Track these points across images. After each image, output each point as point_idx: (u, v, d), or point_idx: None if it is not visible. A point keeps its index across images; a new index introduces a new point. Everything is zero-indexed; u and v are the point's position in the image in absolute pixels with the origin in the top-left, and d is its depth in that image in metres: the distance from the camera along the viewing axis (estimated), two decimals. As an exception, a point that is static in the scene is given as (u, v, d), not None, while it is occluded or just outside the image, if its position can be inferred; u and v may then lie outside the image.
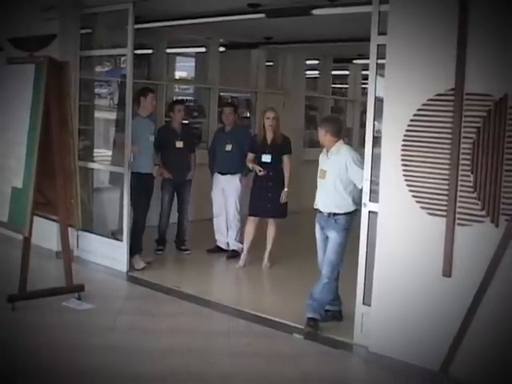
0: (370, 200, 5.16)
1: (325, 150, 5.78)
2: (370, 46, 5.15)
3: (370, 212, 5.15)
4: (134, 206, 7.28)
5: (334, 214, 5.54)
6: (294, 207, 8.02)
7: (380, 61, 5.10)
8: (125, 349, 5.05)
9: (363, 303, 5.24)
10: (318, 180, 5.75)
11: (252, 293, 6.63)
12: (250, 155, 7.49)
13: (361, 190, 5.30)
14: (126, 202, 7.02)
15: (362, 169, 5.27)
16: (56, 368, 4.68)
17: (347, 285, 5.49)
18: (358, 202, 5.45)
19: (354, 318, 5.26)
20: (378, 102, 5.05)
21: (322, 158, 5.81)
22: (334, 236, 5.54)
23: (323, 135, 5.67)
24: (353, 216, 5.57)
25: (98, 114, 8.26)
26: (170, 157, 7.86)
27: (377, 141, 5.07)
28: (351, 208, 5.55)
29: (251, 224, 7.53)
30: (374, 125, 5.15)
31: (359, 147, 8.70)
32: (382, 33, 5.05)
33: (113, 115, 8.30)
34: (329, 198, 5.60)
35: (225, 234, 8.12)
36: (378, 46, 5.10)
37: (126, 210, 7.05)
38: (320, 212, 5.69)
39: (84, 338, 5.25)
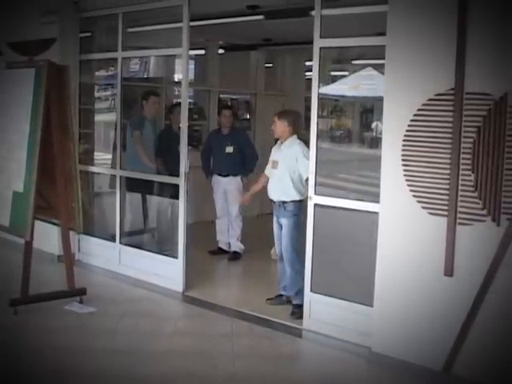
0: (315, 193, 5.49)
1: (279, 142, 6.21)
2: (313, 48, 5.39)
3: (315, 205, 5.49)
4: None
5: (284, 202, 5.99)
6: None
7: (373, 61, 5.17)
8: (127, 352, 5.06)
9: (311, 290, 5.57)
10: (270, 170, 6.22)
11: (253, 294, 6.62)
12: None
13: (306, 181, 5.72)
14: (183, 215, 6.61)
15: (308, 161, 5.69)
16: (58, 371, 4.68)
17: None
18: (302, 193, 5.93)
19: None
20: (378, 101, 5.06)
21: (274, 150, 6.27)
22: (285, 223, 6.01)
23: (284, 126, 6.06)
24: (301, 204, 5.96)
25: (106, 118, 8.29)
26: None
27: (378, 141, 5.08)
28: (298, 197, 5.96)
29: None
30: (317, 122, 5.47)
31: (359, 147, 8.72)
32: (324, 36, 5.36)
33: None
34: (279, 186, 6.06)
35: (226, 234, 8.14)
36: (321, 48, 5.39)
37: (183, 225, 6.62)
38: (274, 202, 6.13)
39: (86, 341, 5.25)
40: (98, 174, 7.87)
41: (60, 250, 6.71)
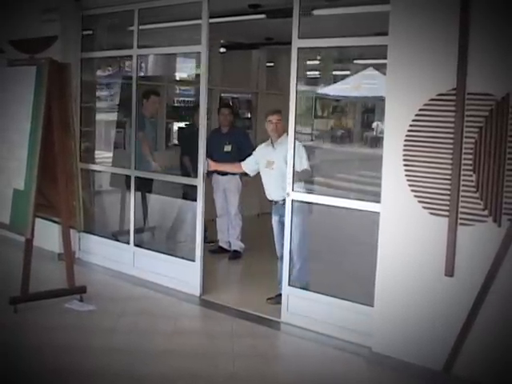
0: (292, 190, 5.68)
1: (269, 142, 6.34)
2: (292, 49, 5.60)
3: (292, 200, 5.70)
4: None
5: None
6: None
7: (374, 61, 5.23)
8: (127, 350, 5.06)
9: (288, 285, 5.78)
10: (266, 171, 6.26)
11: (254, 294, 6.61)
12: None
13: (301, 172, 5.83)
14: (201, 217, 6.43)
15: (304, 155, 5.87)
16: (58, 369, 4.68)
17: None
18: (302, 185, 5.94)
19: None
20: (380, 101, 5.06)
21: (266, 149, 6.36)
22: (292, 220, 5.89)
23: (282, 124, 6.16)
24: None
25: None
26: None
27: (379, 141, 5.09)
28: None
29: None
30: (295, 121, 5.66)
31: (360, 147, 8.74)
32: (302, 36, 5.57)
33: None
34: (279, 185, 6.00)
35: (226, 233, 8.16)
36: (299, 49, 5.60)
37: (201, 227, 6.44)
38: (275, 203, 6.15)
39: (86, 340, 5.25)
40: (99, 172, 7.87)
41: (60, 248, 6.72)
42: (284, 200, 5.98)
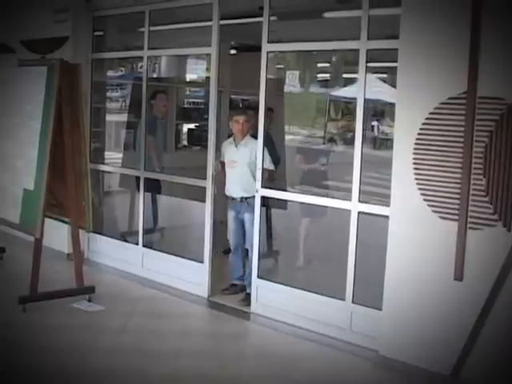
0: (261, 186, 5.96)
1: (231, 140, 6.50)
2: (262, 53, 5.78)
3: (262, 197, 6.00)
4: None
5: (246, 198, 6.27)
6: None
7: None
8: (134, 351, 5.07)
9: (258, 277, 6.02)
10: (228, 169, 6.45)
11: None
12: None
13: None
14: (209, 218, 6.42)
15: (268, 153, 6.11)
16: (66, 369, 4.69)
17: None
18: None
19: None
20: (390, 105, 5.06)
21: (229, 148, 6.50)
22: (248, 217, 6.27)
23: (249, 124, 6.32)
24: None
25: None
26: None
27: (385, 143, 5.09)
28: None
29: None
30: (264, 121, 5.91)
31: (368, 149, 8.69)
32: (271, 41, 5.80)
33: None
34: (239, 184, 6.32)
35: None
36: (268, 53, 5.82)
37: (209, 228, 6.43)
38: (233, 199, 6.40)
39: (94, 340, 5.26)
40: (109, 172, 7.89)
41: (69, 248, 6.72)
42: (242, 198, 6.30)
